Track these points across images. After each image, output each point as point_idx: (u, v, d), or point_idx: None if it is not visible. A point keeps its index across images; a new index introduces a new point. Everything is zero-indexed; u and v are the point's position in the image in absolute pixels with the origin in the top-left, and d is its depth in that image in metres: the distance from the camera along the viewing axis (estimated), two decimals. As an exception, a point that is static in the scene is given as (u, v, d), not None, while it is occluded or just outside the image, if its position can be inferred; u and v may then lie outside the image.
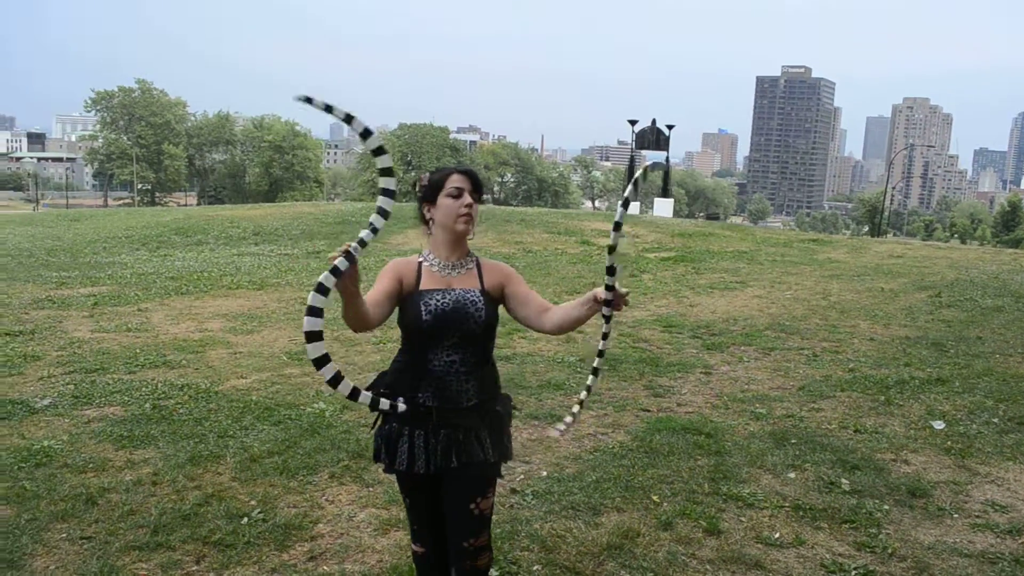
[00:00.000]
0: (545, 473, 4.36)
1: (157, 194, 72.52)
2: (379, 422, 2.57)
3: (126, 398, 5.51)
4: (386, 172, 2.22)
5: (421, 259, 2.56)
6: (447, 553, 2.58)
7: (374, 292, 2.47)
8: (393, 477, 2.65)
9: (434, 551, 2.65)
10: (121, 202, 70.79)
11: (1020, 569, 3.43)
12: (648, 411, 5.49)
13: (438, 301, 2.47)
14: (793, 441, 4.88)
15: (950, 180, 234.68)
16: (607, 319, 2.48)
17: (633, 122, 27.34)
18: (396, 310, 2.52)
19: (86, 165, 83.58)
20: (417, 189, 2.56)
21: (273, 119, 73.09)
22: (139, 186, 69.67)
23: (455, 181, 2.49)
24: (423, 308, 2.46)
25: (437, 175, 2.52)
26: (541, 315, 2.57)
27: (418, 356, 2.50)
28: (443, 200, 2.48)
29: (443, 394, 2.48)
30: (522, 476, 4.32)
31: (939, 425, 5.23)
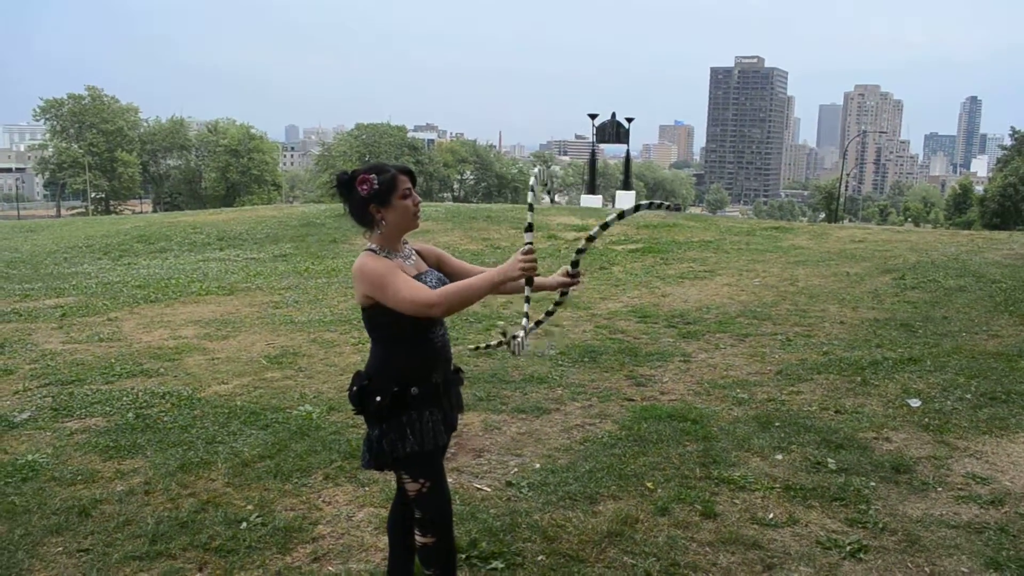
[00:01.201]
0: (538, 465, 4.40)
1: (111, 202, 71.21)
2: (387, 417, 2.59)
3: (107, 408, 5.45)
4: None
5: (384, 254, 2.61)
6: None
7: (414, 283, 2.53)
8: (390, 475, 2.71)
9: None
10: (74, 211, 69.39)
11: (1005, 537, 3.54)
12: (632, 400, 5.56)
13: (432, 283, 2.63)
14: (777, 424, 4.98)
15: (902, 165, 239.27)
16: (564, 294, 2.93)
17: (593, 116, 27.47)
18: (373, 311, 2.58)
19: (36, 175, 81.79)
20: (364, 191, 2.57)
21: (228, 123, 72.15)
22: (92, 195, 68.37)
23: (405, 182, 2.61)
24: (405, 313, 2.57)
25: (384, 177, 2.57)
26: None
27: (422, 338, 2.63)
28: (399, 202, 2.59)
29: (445, 366, 2.74)
30: (516, 469, 4.36)
31: (915, 403, 5.37)
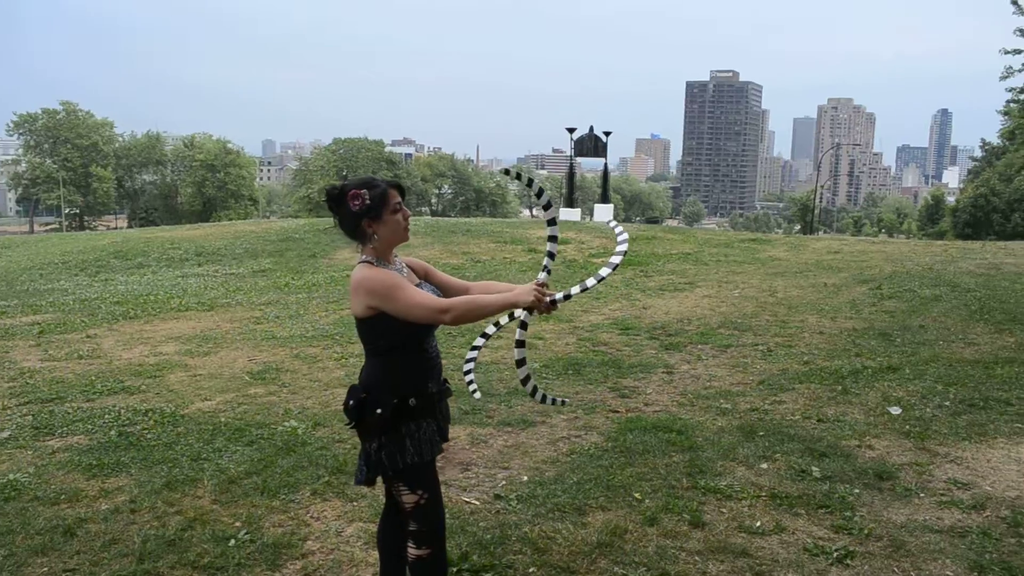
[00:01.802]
0: (526, 478, 4.42)
1: (86, 218, 70.51)
2: (388, 434, 2.61)
3: (89, 426, 5.40)
4: (552, 222, 2.74)
5: (380, 265, 2.63)
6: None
7: (422, 292, 2.59)
8: (379, 489, 2.74)
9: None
10: (48, 227, 68.65)
11: (988, 541, 3.60)
12: (617, 412, 5.59)
13: (430, 293, 2.69)
14: (761, 433, 5.03)
15: (876, 177, 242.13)
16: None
17: (571, 130, 27.57)
18: (373, 322, 2.58)
19: (9, 191, 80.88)
20: (356, 206, 2.58)
21: (204, 137, 71.74)
22: (67, 210, 67.65)
23: (395, 197, 2.64)
24: (412, 321, 2.61)
25: (375, 192, 2.59)
26: (464, 295, 2.75)
27: (418, 350, 2.66)
28: (391, 217, 2.62)
29: (439, 378, 2.76)
30: (504, 482, 4.37)
31: (896, 411, 5.44)
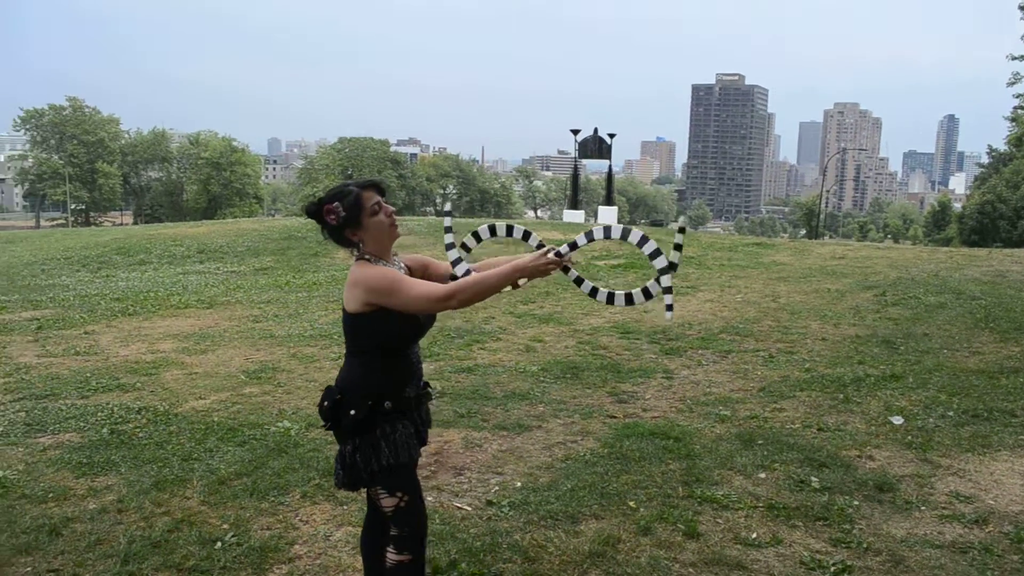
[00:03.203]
0: (519, 484, 4.35)
1: (92, 213, 70.63)
2: (362, 436, 2.56)
3: (81, 424, 5.35)
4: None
5: (377, 263, 2.59)
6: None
7: (423, 282, 2.54)
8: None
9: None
10: (54, 223, 68.76)
11: (990, 557, 3.52)
12: (615, 417, 5.52)
13: None
14: (760, 442, 4.95)
15: (881, 182, 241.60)
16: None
17: (576, 131, 27.50)
18: (368, 319, 2.53)
19: (16, 186, 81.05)
20: (332, 221, 2.55)
21: (210, 135, 71.80)
22: (73, 206, 67.79)
23: (370, 199, 2.57)
24: (417, 314, 2.59)
25: (347, 201, 2.54)
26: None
27: (401, 354, 2.63)
28: (371, 220, 2.57)
29: (418, 382, 2.72)
30: (496, 488, 4.30)
31: (898, 420, 5.36)
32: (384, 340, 2.56)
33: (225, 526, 3.82)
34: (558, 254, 2.54)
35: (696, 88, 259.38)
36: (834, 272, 12.53)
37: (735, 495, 4.16)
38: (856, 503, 4.07)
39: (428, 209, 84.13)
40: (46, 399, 5.94)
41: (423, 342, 7.59)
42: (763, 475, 4.45)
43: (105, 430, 5.19)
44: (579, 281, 2.77)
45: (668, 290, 2.73)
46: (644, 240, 2.66)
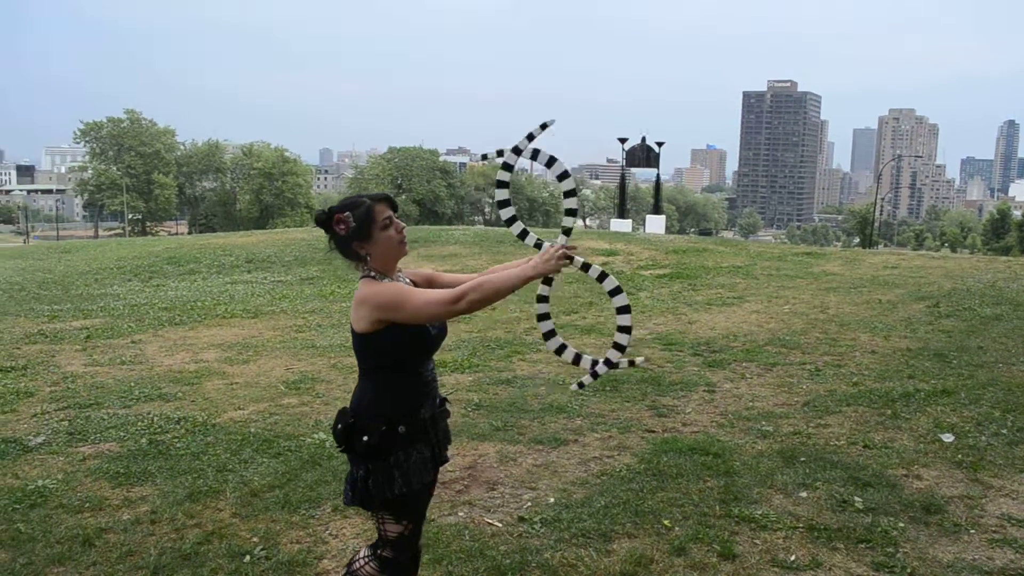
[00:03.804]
0: (552, 499, 4.28)
1: (148, 223, 72.33)
2: (375, 463, 2.51)
3: (121, 433, 5.41)
4: (570, 193, 2.69)
5: (381, 279, 2.55)
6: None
7: (429, 290, 2.51)
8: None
9: None
10: (112, 232, 70.57)
11: (1043, 586, 3.35)
12: (653, 432, 5.41)
13: None
14: (802, 459, 4.81)
15: (938, 190, 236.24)
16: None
17: (623, 140, 27.40)
18: (377, 337, 2.48)
19: (76, 196, 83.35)
20: (341, 231, 2.51)
21: (262, 146, 73.06)
22: (129, 216, 69.49)
23: (383, 212, 2.54)
24: (427, 324, 2.54)
25: (359, 212, 2.50)
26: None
27: (414, 373, 2.57)
28: (381, 234, 2.53)
29: (434, 402, 2.65)
30: (529, 503, 4.23)
31: (948, 438, 5.16)
32: (396, 358, 2.51)
33: (255, 539, 3.81)
34: (564, 250, 2.52)
35: (747, 95, 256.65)
36: (886, 282, 12.21)
37: (774, 515, 4.03)
38: (901, 525, 3.92)
39: (477, 218, 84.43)
40: (89, 408, 6.03)
41: (461, 354, 7.58)
42: (804, 494, 4.31)
43: (144, 440, 5.25)
44: (586, 267, 2.68)
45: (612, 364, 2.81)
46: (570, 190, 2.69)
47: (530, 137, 2.63)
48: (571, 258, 2.54)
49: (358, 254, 2.55)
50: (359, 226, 2.50)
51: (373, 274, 2.54)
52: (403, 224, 2.59)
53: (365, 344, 2.52)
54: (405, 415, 2.53)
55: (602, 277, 2.69)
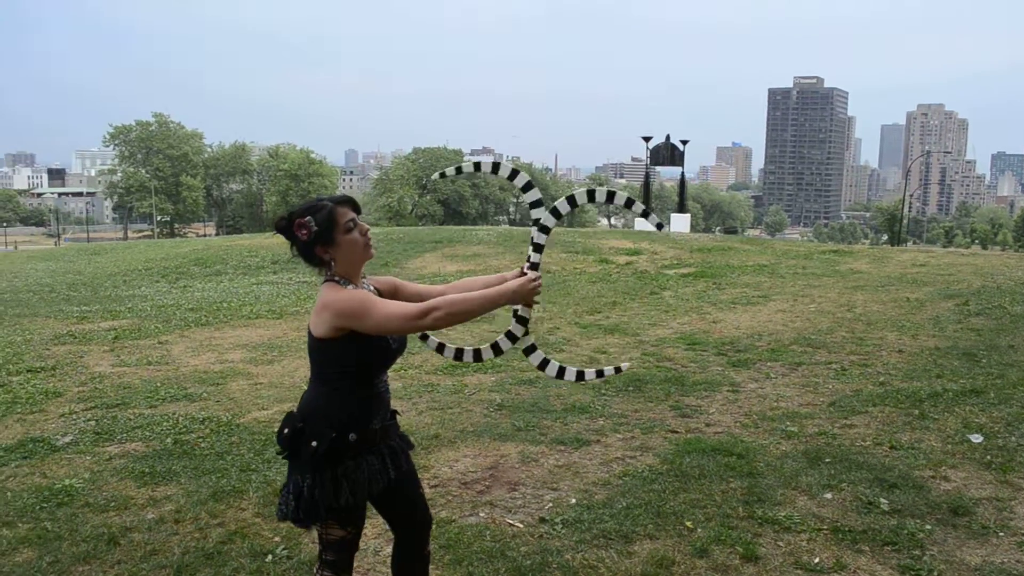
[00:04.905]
0: (574, 500, 4.26)
1: (176, 225, 73.18)
2: (322, 471, 2.45)
3: (147, 433, 5.46)
4: (536, 204, 2.67)
5: (345, 285, 2.47)
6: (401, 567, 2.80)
7: (396, 303, 2.43)
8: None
9: None
10: (141, 234, 71.54)
11: (1074, 590, 3.29)
12: (676, 432, 5.38)
13: None
14: (827, 460, 4.75)
15: (968, 186, 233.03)
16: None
17: (647, 139, 27.29)
18: (336, 344, 2.42)
19: (106, 199, 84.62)
20: (303, 236, 2.44)
21: (288, 148, 73.66)
22: (158, 218, 70.35)
23: (346, 215, 2.46)
24: (388, 337, 2.49)
25: (320, 216, 2.42)
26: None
27: (368, 384, 2.51)
28: (344, 237, 2.45)
29: (385, 412, 2.60)
30: (550, 504, 4.22)
31: (977, 439, 5.08)
32: (353, 368, 2.44)
33: (277, 539, 3.83)
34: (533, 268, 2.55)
35: (773, 92, 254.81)
36: (914, 280, 12.07)
37: (798, 516, 3.99)
38: (928, 527, 3.86)
39: (501, 218, 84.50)
40: (116, 408, 6.09)
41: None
42: (829, 495, 4.26)
43: (169, 440, 5.29)
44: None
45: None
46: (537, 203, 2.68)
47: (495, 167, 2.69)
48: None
49: (322, 259, 2.48)
50: (321, 230, 2.43)
51: (337, 279, 2.47)
52: (367, 227, 2.51)
53: (322, 350, 2.45)
54: (355, 425, 2.47)
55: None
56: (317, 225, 2.42)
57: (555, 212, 2.63)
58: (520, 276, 2.56)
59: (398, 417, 2.75)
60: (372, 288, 2.59)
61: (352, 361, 2.43)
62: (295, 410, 2.53)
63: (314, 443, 2.40)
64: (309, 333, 2.48)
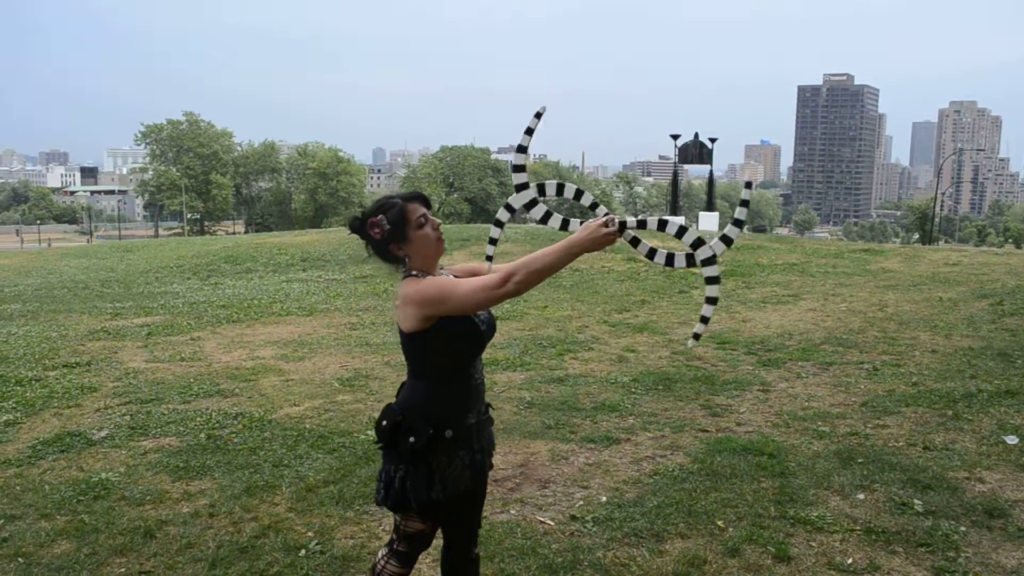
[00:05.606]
0: (605, 499, 4.26)
1: (206, 223, 73.95)
2: (415, 464, 2.47)
3: (181, 428, 5.54)
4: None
5: (428, 276, 2.48)
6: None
7: (474, 278, 2.38)
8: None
9: None
10: (171, 232, 72.38)
11: (1113, 594, 3.24)
12: (707, 431, 5.36)
13: (481, 312, 2.51)
14: (860, 460, 4.71)
15: (1001, 184, 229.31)
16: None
17: (675, 137, 27.14)
18: (427, 336, 2.42)
19: (137, 197, 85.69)
20: (377, 235, 2.46)
21: (317, 146, 74.18)
22: (188, 216, 71.10)
23: (417, 211, 2.48)
24: (476, 319, 2.49)
25: (392, 214, 2.45)
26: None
27: (464, 373, 2.52)
28: (416, 233, 2.47)
29: (480, 405, 2.61)
30: (581, 502, 4.23)
31: (1012, 440, 5.02)
32: (447, 357, 2.47)
33: (310, 533, 3.87)
34: (621, 224, 2.26)
35: (802, 89, 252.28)
36: (947, 280, 11.91)
37: (830, 517, 3.96)
38: (963, 529, 3.82)
39: (528, 216, 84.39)
40: (150, 403, 6.18)
41: (513, 352, 7.60)
42: (862, 496, 4.22)
43: (203, 435, 5.36)
44: (635, 242, 2.53)
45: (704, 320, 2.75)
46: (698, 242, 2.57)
47: (528, 131, 2.57)
48: (622, 227, 2.28)
49: (396, 256, 2.50)
50: (394, 228, 2.45)
51: (415, 273, 2.48)
52: (439, 221, 2.53)
53: (414, 344, 2.47)
54: (453, 419, 2.49)
55: (651, 253, 2.54)
56: (389, 223, 2.45)
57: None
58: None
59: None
60: (450, 276, 2.58)
61: (445, 350, 2.45)
62: (394, 403, 2.55)
63: (412, 439, 2.43)
64: (400, 331, 2.49)
